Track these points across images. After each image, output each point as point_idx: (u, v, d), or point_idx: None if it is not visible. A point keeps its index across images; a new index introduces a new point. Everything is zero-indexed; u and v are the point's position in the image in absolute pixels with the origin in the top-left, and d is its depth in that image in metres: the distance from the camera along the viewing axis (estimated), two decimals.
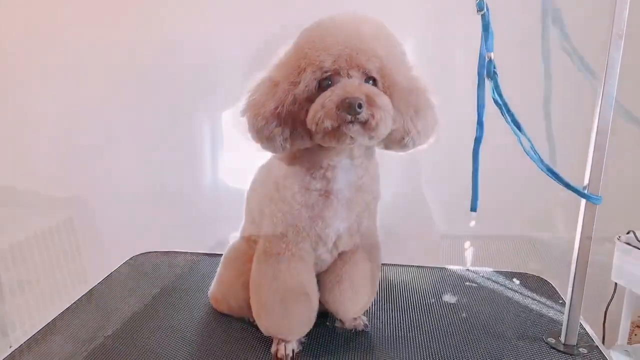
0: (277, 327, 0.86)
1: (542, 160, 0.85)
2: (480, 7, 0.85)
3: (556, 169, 0.85)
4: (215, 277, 1.01)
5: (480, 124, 0.90)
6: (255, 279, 0.87)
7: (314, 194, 0.80)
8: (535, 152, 0.85)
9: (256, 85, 0.75)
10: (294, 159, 0.81)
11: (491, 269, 1.21)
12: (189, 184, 1.63)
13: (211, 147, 1.65)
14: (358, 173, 0.81)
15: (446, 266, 1.23)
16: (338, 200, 0.81)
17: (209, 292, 1.02)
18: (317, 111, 0.67)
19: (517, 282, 1.15)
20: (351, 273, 0.89)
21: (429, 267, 1.23)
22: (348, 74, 0.68)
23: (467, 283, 1.15)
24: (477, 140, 0.90)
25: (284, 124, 0.72)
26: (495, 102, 0.88)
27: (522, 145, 0.88)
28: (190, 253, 1.28)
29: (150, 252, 1.28)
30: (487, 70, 0.87)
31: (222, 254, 1.01)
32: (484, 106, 0.89)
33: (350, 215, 0.83)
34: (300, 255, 0.84)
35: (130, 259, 1.25)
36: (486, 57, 0.86)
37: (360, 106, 0.65)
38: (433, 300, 1.06)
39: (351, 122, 0.66)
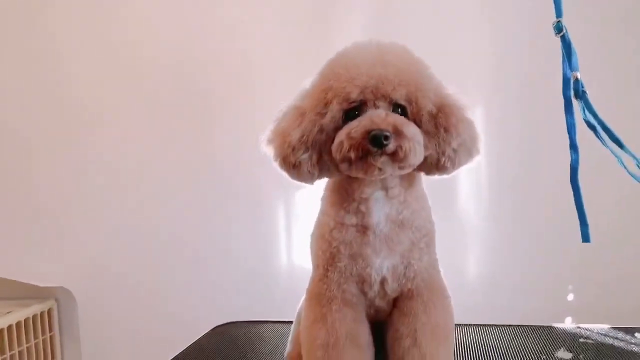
0: None
1: None
2: (558, 30, 0.84)
3: None
4: (290, 336, 0.95)
5: (573, 147, 0.85)
6: (302, 325, 0.81)
7: (350, 229, 0.75)
8: None
9: (282, 114, 0.75)
10: (331, 192, 0.79)
11: (607, 325, 1.07)
12: (262, 264, 1.61)
13: (285, 225, 1.64)
14: (396, 207, 0.75)
15: (552, 324, 1.11)
16: (376, 236, 0.75)
17: (285, 353, 0.96)
18: (343, 140, 0.66)
19: None
20: (412, 327, 0.77)
21: (531, 325, 1.11)
22: (375, 104, 0.67)
23: (582, 340, 1.02)
24: (574, 165, 0.85)
25: (311, 151, 0.71)
26: (588, 123, 0.84)
27: (624, 165, 0.81)
28: (273, 322, 1.23)
29: (233, 322, 1.25)
30: (575, 91, 0.84)
31: None
32: (574, 128, 0.85)
33: (392, 254, 0.76)
34: (345, 299, 0.77)
35: (213, 329, 1.22)
36: (572, 77, 0.84)
37: (387, 138, 0.64)
38: (544, 356, 0.94)
39: (378, 154, 0.65)
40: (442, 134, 0.70)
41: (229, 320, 1.33)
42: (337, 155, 0.67)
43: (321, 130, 0.70)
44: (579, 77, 0.83)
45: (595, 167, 0.91)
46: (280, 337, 1.13)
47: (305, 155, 0.71)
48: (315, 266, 0.81)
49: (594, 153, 0.84)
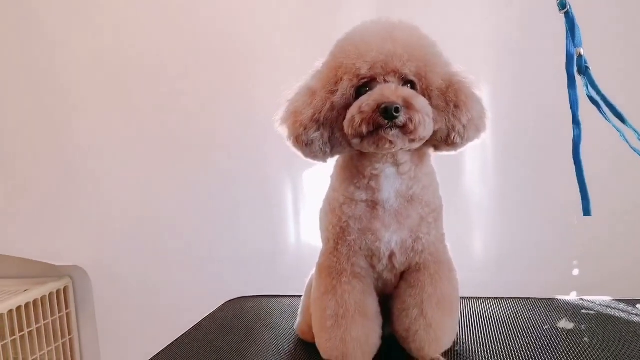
0: (333, 350, 0.79)
1: None
2: (562, 6, 0.85)
3: None
4: (300, 308, 0.98)
5: (576, 122, 0.86)
6: (313, 297, 0.84)
7: (360, 204, 0.78)
8: None
9: (294, 95, 0.76)
10: (341, 169, 0.81)
11: (609, 297, 1.10)
12: (271, 246, 1.63)
13: (294, 208, 1.66)
14: (407, 182, 0.77)
15: (555, 296, 1.13)
16: (385, 211, 0.77)
17: (295, 325, 1.00)
18: (354, 115, 0.68)
19: None
20: (418, 298, 0.80)
21: (534, 298, 1.13)
22: (385, 79, 0.69)
23: (584, 311, 1.04)
24: (576, 141, 0.86)
25: (323, 129, 0.72)
26: (591, 98, 0.85)
27: (626, 140, 0.83)
28: (282, 296, 1.27)
29: (243, 297, 1.29)
30: (578, 67, 0.85)
31: None
32: (577, 103, 0.86)
33: (401, 228, 0.78)
34: (354, 272, 0.80)
35: (224, 303, 1.25)
36: (575, 53, 0.85)
37: (397, 110, 0.65)
38: (547, 326, 0.97)
39: (389, 126, 0.66)
40: (452, 110, 0.72)
41: (239, 294, 1.38)
42: (349, 131, 0.69)
43: (332, 107, 0.71)
44: (582, 53, 0.84)
45: (598, 142, 0.92)
46: (288, 309, 1.17)
47: (317, 134, 0.72)
48: (326, 240, 0.83)
49: (597, 128, 0.86)
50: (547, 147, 1.43)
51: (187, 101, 1.57)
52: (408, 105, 0.66)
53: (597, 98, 0.83)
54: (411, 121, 0.66)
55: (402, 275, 0.83)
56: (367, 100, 0.67)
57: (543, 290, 1.47)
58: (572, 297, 1.12)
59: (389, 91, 0.67)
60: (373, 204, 0.78)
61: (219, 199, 1.63)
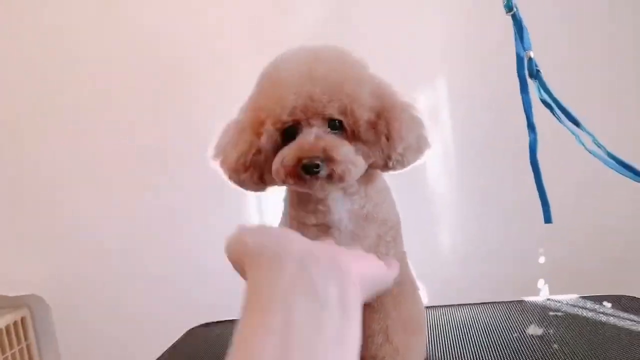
0: None
1: (610, 155, 0.77)
2: (509, 8, 0.82)
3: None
4: None
5: (531, 127, 0.84)
6: None
7: (312, 229, 0.73)
8: (600, 146, 0.78)
9: (225, 128, 0.72)
10: (291, 192, 0.76)
11: (576, 295, 1.09)
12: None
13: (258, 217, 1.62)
14: (358, 201, 0.73)
15: (523, 298, 1.12)
16: (341, 232, 0.73)
17: None
18: (278, 168, 0.65)
19: (609, 305, 1.02)
20: (383, 323, 0.76)
21: (502, 302, 1.12)
22: (309, 122, 0.64)
23: (552, 313, 1.03)
24: (532, 145, 0.84)
25: (252, 170, 0.69)
26: (544, 102, 0.82)
27: (582, 144, 0.81)
28: None
29: (208, 323, 1.23)
30: (529, 70, 0.82)
31: None
32: (530, 107, 0.84)
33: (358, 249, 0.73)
34: None
35: (187, 332, 1.20)
36: (525, 57, 0.82)
37: (317, 166, 0.62)
38: (516, 334, 0.95)
39: (314, 179, 0.63)
40: (383, 142, 0.67)
41: (205, 319, 1.33)
42: (277, 179, 0.66)
43: (259, 151, 0.67)
44: (532, 56, 0.81)
45: (553, 145, 0.90)
46: None
47: (246, 175, 0.69)
48: None
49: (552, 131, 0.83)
50: (507, 140, 1.43)
51: (142, 115, 1.52)
52: (329, 158, 0.62)
53: (550, 101, 0.81)
54: (334, 172, 0.63)
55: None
56: (288, 154, 0.63)
57: (510, 284, 1.48)
58: (539, 297, 1.11)
59: (307, 144, 0.63)
60: (325, 228, 0.73)
61: (180, 213, 1.58)
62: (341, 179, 0.64)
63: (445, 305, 1.14)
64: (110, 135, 1.55)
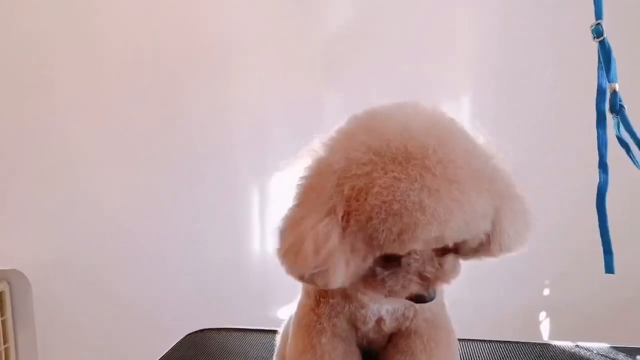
0: None
1: None
2: (598, 33, 0.74)
3: None
4: (274, 356, 0.85)
5: (603, 166, 0.76)
6: (289, 354, 0.72)
7: None
8: None
9: (289, 216, 0.58)
10: None
11: (607, 345, 1.02)
12: (233, 256, 1.51)
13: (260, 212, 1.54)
14: None
15: (550, 342, 1.05)
16: None
17: None
18: (381, 291, 0.57)
19: None
20: None
21: (526, 342, 1.04)
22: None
23: None
24: (602, 187, 0.76)
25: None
26: (621, 140, 0.75)
27: None
28: (245, 329, 1.13)
29: (205, 329, 1.15)
30: (611, 104, 0.74)
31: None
32: (606, 145, 0.76)
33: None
34: (336, 332, 0.69)
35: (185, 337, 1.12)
36: (609, 89, 0.74)
37: (432, 299, 0.56)
38: None
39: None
40: (494, 248, 0.58)
41: (198, 310, 1.26)
42: (368, 293, 0.59)
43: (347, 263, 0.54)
44: (617, 89, 0.73)
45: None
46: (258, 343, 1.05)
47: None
48: (305, 293, 0.70)
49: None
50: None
51: (147, 102, 1.44)
52: (444, 280, 0.56)
53: (630, 140, 0.73)
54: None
55: (391, 338, 0.71)
56: (398, 286, 0.55)
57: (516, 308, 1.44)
58: (567, 343, 1.04)
59: (426, 285, 0.56)
60: None
61: (178, 203, 1.50)
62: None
63: (464, 339, 1.06)
64: (104, 119, 1.46)
